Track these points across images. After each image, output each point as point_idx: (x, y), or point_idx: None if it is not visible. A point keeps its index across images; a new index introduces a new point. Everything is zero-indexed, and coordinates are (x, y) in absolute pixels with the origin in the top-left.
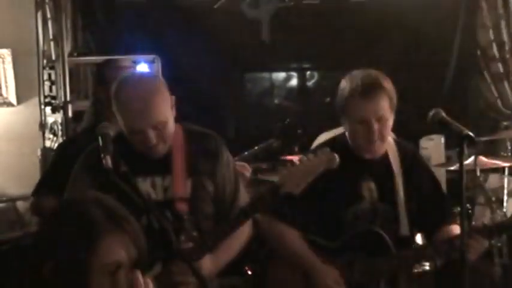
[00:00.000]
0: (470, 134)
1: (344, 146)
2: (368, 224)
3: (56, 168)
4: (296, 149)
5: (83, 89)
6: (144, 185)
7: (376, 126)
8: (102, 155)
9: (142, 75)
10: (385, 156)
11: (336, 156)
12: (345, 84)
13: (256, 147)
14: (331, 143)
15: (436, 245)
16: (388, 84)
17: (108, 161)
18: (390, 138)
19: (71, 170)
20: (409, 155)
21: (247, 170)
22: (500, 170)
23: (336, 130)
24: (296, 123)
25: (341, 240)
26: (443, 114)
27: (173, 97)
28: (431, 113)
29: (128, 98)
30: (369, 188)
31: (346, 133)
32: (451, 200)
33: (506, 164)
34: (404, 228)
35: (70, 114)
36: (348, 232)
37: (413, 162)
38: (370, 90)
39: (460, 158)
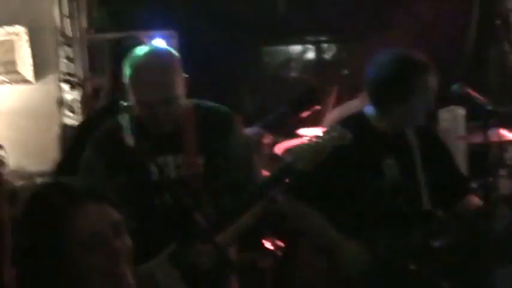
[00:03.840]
0: (494, 109)
1: (363, 122)
2: (390, 201)
3: (74, 149)
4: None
5: (101, 66)
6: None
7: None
8: (125, 134)
9: (158, 49)
10: (403, 131)
11: (348, 132)
12: (399, 66)
13: (268, 116)
14: (348, 120)
15: (460, 216)
16: None
17: (130, 139)
18: None
19: None
20: (423, 129)
21: (265, 138)
22: None
23: (348, 104)
24: (308, 92)
25: (364, 217)
26: (467, 88)
27: (186, 76)
28: (454, 86)
29: (141, 69)
30: (390, 165)
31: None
32: (471, 173)
33: None
34: (426, 203)
35: (89, 91)
36: (370, 209)
37: (428, 136)
38: (429, 64)
39: (485, 133)
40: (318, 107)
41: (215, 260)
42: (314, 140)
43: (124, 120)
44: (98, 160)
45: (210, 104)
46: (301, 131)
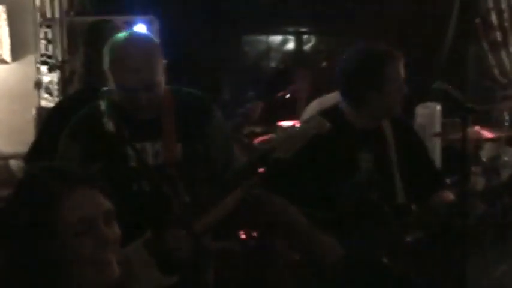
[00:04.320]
0: (473, 107)
1: (339, 116)
2: (365, 194)
3: (48, 132)
4: (286, 96)
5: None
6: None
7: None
8: (105, 119)
9: (138, 34)
10: (379, 126)
11: (326, 122)
12: (366, 55)
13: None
14: (325, 114)
15: (433, 211)
16: None
17: (110, 124)
18: None
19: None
20: (399, 123)
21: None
22: (496, 140)
23: (328, 96)
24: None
25: (338, 210)
26: (447, 85)
27: (165, 62)
28: (435, 84)
29: (123, 54)
30: (365, 158)
31: (387, 100)
32: (444, 169)
33: (503, 134)
34: (401, 197)
35: (67, 74)
36: (344, 203)
37: (404, 130)
38: (393, 52)
39: (463, 131)
40: (287, 92)
41: (191, 248)
42: (293, 128)
43: (104, 105)
44: (76, 144)
45: (190, 90)
46: (282, 123)
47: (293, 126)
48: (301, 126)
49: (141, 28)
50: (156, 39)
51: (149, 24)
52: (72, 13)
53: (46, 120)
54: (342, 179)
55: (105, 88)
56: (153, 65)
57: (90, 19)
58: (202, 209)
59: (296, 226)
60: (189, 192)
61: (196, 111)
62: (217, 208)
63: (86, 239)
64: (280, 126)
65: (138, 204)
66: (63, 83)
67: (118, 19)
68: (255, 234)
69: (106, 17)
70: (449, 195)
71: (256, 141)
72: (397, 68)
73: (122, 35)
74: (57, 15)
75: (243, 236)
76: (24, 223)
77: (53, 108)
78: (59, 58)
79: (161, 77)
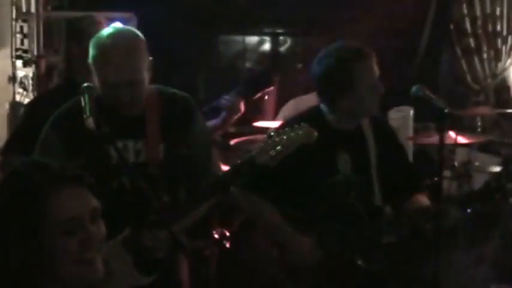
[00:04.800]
0: (452, 112)
1: (319, 118)
2: (342, 195)
3: (26, 126)
4: (265, 97)
5: (56, 44)
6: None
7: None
8: (85, 115)
9: (124, 30)
10: (359, 127)
11: (315, 132)
12: (336, 58)
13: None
14: (305, 115)
15: (409, 214)
16: None
17: (91, 121)
18: None
19: (42, 129)
20: (380, 125)
21: (241, 104)
22: (468, 145)
23: (304, 97)
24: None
25: (315, 211)
26: (426, 89)
27: (151, 59)
28: (414, 88)
29: (107, 49)
30: (344, 160)
31: (359, 101)
32: (418, 172)
33: (476, 140)
34: (377, 199)
35: (42, 69)
36: (322, 204)
37: (384, 132)
38: (366, 52)
39: (440, 135)
40: (270, 89)
41: (169, 247)
42: (280, 136)
43: (84, 101)
44: (56, 140)
45: (173, 91)
46: (258, 123)
47: (279, 131)
48: (288, 133)
49: (116, 25)
50: (142, 36)
51: (127, 21)
52: (48, 8)
53: (25, 114)
54: (320, 180)
55: (85, 84)
56: (137, 62)
57: (67, 14)
58: (181, 209)
59: (274, 226)
60: (169, 192)
61: (181, 112)
62: (197, 210)
63: (72, 238)
64: (256, 127)
65: (118, 202)
66: (39, 77)
67: (99, 15)
68: (228, 233)
69: (83, 13)
70: (425, 199)
71: (232, 142)
72: (369, 66)
73: (107, 30)
74: (33, 9)
75: (216, 236)
76: (9, 221)
77: (33, 103)
78: (35, 53)
79: (145, 74)
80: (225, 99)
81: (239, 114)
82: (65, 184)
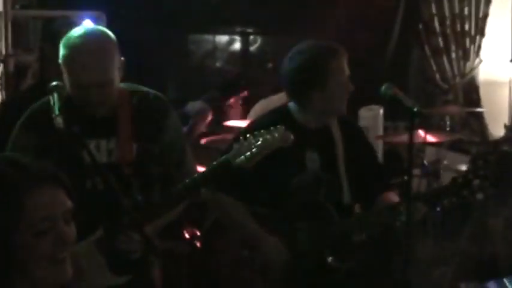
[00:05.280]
0: (422, 110)
1: (287, 116)
2: (311, 194)
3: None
4: (240, 102)
5: (25, 42)
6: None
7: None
8: (54, 114)
9: (94, 30)
10: (327, 126)
11: (290, 135)
12: (307, 56)
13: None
14: (274, 113)
15: (378, 212)
16: None
17: (60, 120)
18: None
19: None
20: (348, 124)
21: (209, 112)
22: (437, 144)
23: (273, 97)
24: (238, 79)
25: (285, 210)
26: (395, 88)
27: (122, 59)
28: (383, 87)
29: (76, 50)
30: (312, 158)
31: (329, 100)
32: (387, 170)
33: (445, 139)
34: (346, 197)
35: (11, 68)
36: (291, 202)
37: (352, 131)
38: (337, 49)
39: (411, 133)
40: (246, 93)
41: (142, 248)
42: (256, 138)
43: (53, 100)
44: (28, 140)
45: (146, 89)
46: (229, 122)
47: (254, 133)
48: (264, 136)
49: (88, 24)
50: (113, 36)
51: (96, 20)
52: (17, 6)
53: None
54: (289, 178)
55: (54, 83)
56: (107, 63)
57: (35, 13)
58: (155, 210)
59: (244, 226)
60: (142, 192)
61: (154, 111)
62: (171, 211)
63: (46, 238)
64: (227, 126)
65: (91, 202)
66: (7, 77)
67: (73, 15)
68: (198, 233)
69: (51, 12)
70: (394, 197)
71: (203, 141)
72: (339, 64)
73: (77, 30)
74: (1, 8)
75: (187, 236)
76: None
77: (5, 103)
78: (3, 51)
79: (116, 75)
80: (192, 107)
81: (207, 121)
82: (42, 183)
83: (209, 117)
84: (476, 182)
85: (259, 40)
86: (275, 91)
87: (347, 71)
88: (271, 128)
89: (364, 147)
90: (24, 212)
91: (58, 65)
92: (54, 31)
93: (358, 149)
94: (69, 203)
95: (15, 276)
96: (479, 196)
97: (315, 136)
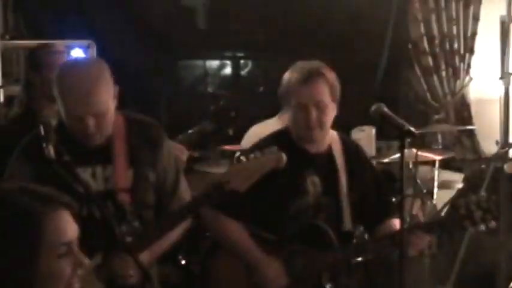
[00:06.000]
0: (412, 129)
1: (287, 140)
2: (311, 218)
3: None
4: (230, 132)
5: (15, 73)
6: (85, 175)
7: (314, 112)
8: (44, 145)
9: (88, 61)
10: (329, 150)
11: (284, 156)
12: (287, 74)
13: (189, 131)
14: (274, 137)
15: (377, 240)
16: (329, 74)
17: (50, 150)
18: (334, 132)
19: (3, 159)
20: (352, 149)
21: (184, 153)
22: (430, 163)
23: (268, 121)
24: (229, 107)
25: (284, 233)
26: (385, 108)
27: (116, 87)
28: (373, 107)
29: (71, 83)
30: (313, 182)
31: (290, 124)
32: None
33: (438, 157)
34: (347, 223)
35: (1, 99)
36: (291, 226)
37: (356, 156)
38: (309, 76)
39: (401, 153)
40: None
41: (139, 275)
42: (250, 161)
43: (43, 131)
44: (24, 170)
45: (141, 116)
46: (224, 147)
47: (248, 155)
48: (257, 159)
49: (78, 53)
50: (106, 65)
51: (87, 48)
52: (7, 37)
53: None
54: (289, 201)
55: (43, 114)
56: (102, 93)
57: (25, 43)
58: (151, 236)
59: (243, 250)
60: (138, 218)
61: (148, 138)
62: (168, 239)
63: (66, 261)
64: (222, 151)
65: (88, 230)
66: None
67: (58, 43)
68: (194, 259)
69: (41, 41)
70: (397, 224)
71: (198, 166)
72: (298, 91)
73: (71, 61)
74: None
75: (183, 262)
76: (8, 246)
77: None
78: None
79: (110, 104)
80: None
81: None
82: (57, 208)
83: (184, 158)
84: (479, 213)
85: (250, 64)
86: (267, 115)
87: (316, 94)
88: (265, 149)
89: (367, 173)
90: (45, 238)
91: (42, 93)
92: (37, 60)
93: (362, 174)
94: (78, 229)
95: None
96: (481, 228)
97: (317, 160)
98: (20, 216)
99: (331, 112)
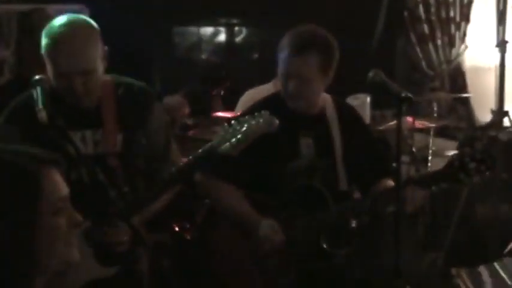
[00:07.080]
0: (410, 95)
1: (280, 103)
2: (307, 180)
3: None
4: (221, 92)
5: (7, 38)
6: (75, 139)
7: (296, 84)
8: (38, 108)
9: (77, 18)
10: (322, 112)
11: (276, 120)
12: (282, 40)
13: (180, 91)
14: (266, 101)
15: (373, 197)
16: (324, 43)
17: (43, 114)
18: (328, 96)
19: None
20: (346, 111)
21: (185, 106)
22: (425, 130)
23: (262, 87)
24: (219, 70)
25: (280, 196)
26: (383, 75)
27: (106, 48)
28: (370, 74)
29: (58, 38)
30: (307, 144)
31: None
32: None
33: (432, 125)
34: (343, 183)
35: None
36: (286, 188)
37: (350, 118)
38: (300, 48)
39: (398, 120)
40: (227, 84)
41: (129, 240)
42: (241, 124)
43: (36, 94)
44: (11, 134)
45: (131, 80)
46: (217, 114)
47: (239, 119)
48: (249, 121)
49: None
50: (95, 25)
51: (78, 13)
52: None
53: None
54: (283, 164)
55: (37, 76)
56: (90, 51)
57: (16, 7)
58: (142, 201)
59: (238, 211)
60: (128, 182)
61: (138, 102)
62: (157, 202)
63: (61, 218)
64: (215, 117)
65: (77, 194)
66: None
67: (50, 7)
68: (188, 226)
69: (33, 6)
70: (392, 183)
71: (191, 133)
72: (294, 61)
73: (60, 19)
74: None
75: (177, 228)
76: (7, 204)
77: None
78: None
79: (99, 64)
80: (169, 100)
81: (184, 115)
82: (51, 166)
83: (186, 111)
84: (473, 164)
85: (244, 31)
86: (261, 82)
87: (297, 72)
88: (256, 113)
89: (362, 133)
90: (42, 193)
91: (36, 58)
92: (30, 24)
93: (357, 135)
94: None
95: (32, 256)
96: (476, 179)
97: (309, 122)
98: (15, 174)
99: (318, 84)
